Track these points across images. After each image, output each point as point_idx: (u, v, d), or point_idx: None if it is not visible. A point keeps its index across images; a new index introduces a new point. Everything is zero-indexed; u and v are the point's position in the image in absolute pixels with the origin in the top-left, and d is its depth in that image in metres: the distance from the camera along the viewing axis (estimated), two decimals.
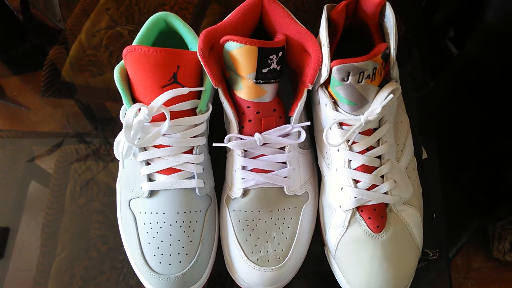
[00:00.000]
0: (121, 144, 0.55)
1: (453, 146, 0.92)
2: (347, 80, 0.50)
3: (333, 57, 0.52)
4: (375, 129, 0.54)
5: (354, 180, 0.55)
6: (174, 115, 0.55)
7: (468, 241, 1.07)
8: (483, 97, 0.85)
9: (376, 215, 0.54)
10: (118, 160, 0.57)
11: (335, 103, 0.54)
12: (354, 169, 0.55)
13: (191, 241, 0.55)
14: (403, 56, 0.77)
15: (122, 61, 0.54)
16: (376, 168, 0.55)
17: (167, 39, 0.62)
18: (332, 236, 0.57)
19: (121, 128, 0.53)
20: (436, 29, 0.92)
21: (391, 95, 0.50)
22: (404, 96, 0.60)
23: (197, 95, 0.57)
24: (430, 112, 0.74)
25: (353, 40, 0.61)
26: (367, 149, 0.54)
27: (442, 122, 0.83)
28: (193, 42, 0.59)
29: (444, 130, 0.87)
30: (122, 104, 0.58)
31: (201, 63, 0.52)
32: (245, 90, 0.54)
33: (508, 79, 0.80)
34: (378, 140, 0.55)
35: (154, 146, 0.56)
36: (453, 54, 0.93)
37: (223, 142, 0.56)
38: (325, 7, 0.57)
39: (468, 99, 0.88)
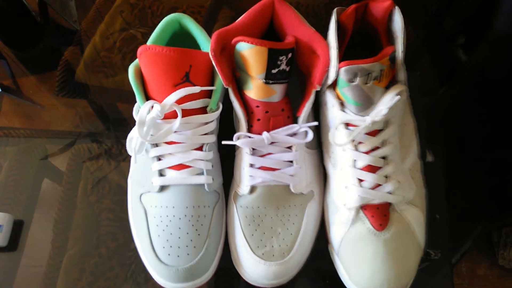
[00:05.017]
0: (134, 140, 0.56)
1: (460, 151, 0.92)
2: (355, 81, 0.51)
3: (342, 59, 0.53)
4: (381, 130, 0.55)
5: (358, 179, 0.56)
6: (186, 113, 0.56)
7: (473, 246, 1.06)
8: (491, 103, 0.86)
9: (379, 214, 0.55)
10: (129, 159, 0.58)
11: (342, 104, 0.55)
12: (359, 169, 0.56)
13: (199, 234, 0.57)
14: (413, 62, 0.78)
15: (137, 59, 0.56)
16: (381, 168, 0.56)
17: (180, 39, 0.63)
18: (335, 233, 0.58)
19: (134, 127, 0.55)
20: (447, 36, 0.93)
21: (397, 97, 0.51)
22: (411, 100, 0.61)
23: (208, 94, 0.59)
24: (438, 118, 0.75)
25: (362, 43, 0.63)
26: (372, 149, 0.55)
27: (449, 128, 0.84)
28: (205, 43, 0.61)
29: (451, 135, 0.87)
30: (134, 106, 0.60)
31: (213, 63, 0.53)
32: (254, 90, 0.56)
33: None
34: (383, 141, 0.55)
35: (166, 143, 0.57)
36: (464, 61, 0.93)
37: (232, 140, 0.57)
38: (334, 10, 0.59)
39: (477, 106, 0.88)
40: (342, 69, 0.51)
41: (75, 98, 0.79)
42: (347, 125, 0.56)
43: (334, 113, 0.56)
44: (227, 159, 0.63)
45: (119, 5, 0.86)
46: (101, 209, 0.69)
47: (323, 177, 0.64)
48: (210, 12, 0.86)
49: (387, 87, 0.54)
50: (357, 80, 0.51)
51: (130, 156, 0.60)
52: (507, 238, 1.17)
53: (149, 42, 0.60)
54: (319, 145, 0.64)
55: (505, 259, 1.18)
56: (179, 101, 0.55)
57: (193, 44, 0.63)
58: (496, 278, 1.20)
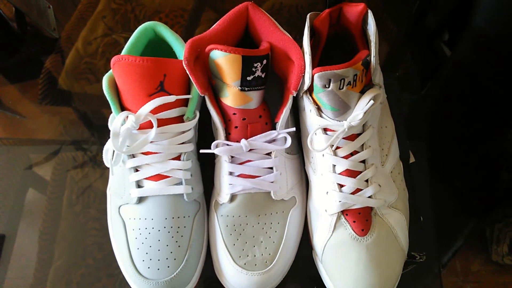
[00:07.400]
0: (109, 152, 0.55)
1: (446, 149, 0.92)
2: (329, 87, 0.50)
3: (318, 64, 0.53)
4: (359, 134, 0.55)
5: (339, 184, 0.55)
6: (162, 123, 0.55)
7: (465, 244, 1.06)
8: (474, 99, 0.85)
9: (361, 219, 0.55)
10: None
11: (319, 109, 0.55)
12: (338, 174, 0.55)
13: (179, 246, 0.56)
14: (393, 60, 0.77)
15: (111, 70, 0.55)
16: (361, 172, 0.55)
17: (156, 48, 0.63)
18: (318, 240, 0.58)
19: None
20: (430, 33, 0.93)
21: (372, 101, 0.51)
22: (392, 100, 0.61)
23: (185, 103, 0.58)
24: (421, 116, 0.74)
25: (338, 47, 0.62)
26: (351, 154, 0.55)
27: (434, 125, 0.84)
28: (181, 50, 0.60)
29: (436, 133, 0.87)
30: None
31: (187, 71, 0.53)
32: (230, 97, 0.55)
33: (498, 81, 0.81)
34: (362, 144, 0.55)
35: (143, 153, 0.57)
36: (448, 58, 0.93)
37: (210, 148, 0.57)
38: (308, 15, 0.58)
39: (460, 102, 0.88)
40: (316, 76, 0.50)
41: (58, 105, 0.78)
42: (325, 130, 0.55)
43: (312, 119, 0.56)
44: (208, 168, 0.63)
45: (101, 11, 0.85)
46: (87, 218, 0.68)
47: (305, 182, 0.63)
48: (193, 15, 0.85)
49: (364, 91, 0.53)
50: (331, 86, 0.50)
51: None
52: (500, 234, 1.17)
53: (124, 52, 0.59)
54: (300, 150, 0.64)
55: (499, 255, 1.17)
56: (155, 111, 0.54)
57: (169, 51, 0.62)
58: (490, 274, 1.20)
